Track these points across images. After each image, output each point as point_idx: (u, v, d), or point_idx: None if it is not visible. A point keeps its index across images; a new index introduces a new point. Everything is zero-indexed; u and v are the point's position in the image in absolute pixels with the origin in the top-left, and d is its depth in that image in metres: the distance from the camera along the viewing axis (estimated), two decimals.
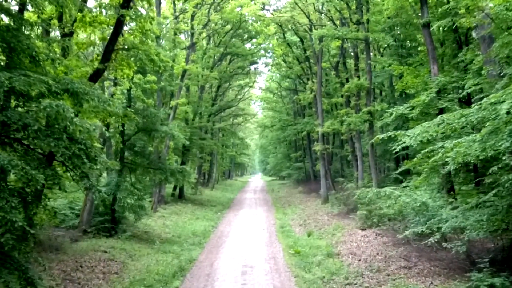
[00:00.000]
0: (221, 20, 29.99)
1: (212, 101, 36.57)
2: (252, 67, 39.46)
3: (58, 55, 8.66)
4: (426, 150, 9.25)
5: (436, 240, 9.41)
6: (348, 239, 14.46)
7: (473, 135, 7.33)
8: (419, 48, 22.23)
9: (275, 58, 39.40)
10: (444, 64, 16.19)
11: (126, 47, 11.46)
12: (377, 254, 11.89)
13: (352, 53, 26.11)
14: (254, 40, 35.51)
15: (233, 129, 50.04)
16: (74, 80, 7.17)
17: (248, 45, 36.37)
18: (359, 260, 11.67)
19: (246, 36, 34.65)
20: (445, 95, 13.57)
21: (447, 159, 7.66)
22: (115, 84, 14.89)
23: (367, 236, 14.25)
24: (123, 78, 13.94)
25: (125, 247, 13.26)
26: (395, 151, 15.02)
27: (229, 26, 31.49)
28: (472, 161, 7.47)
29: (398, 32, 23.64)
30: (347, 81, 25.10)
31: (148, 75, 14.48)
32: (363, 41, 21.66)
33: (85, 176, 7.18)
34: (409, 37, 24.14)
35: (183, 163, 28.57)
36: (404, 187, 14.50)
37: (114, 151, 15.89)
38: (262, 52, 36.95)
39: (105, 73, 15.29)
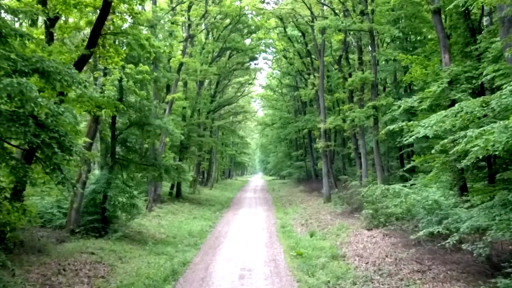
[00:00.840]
0: (220, 14, 29.10)
1: (211, 97, 35.68)
2: (252, 63, 38.52)
3: (27, 31, 7.70)
4: (445, 141, 8.34)
5: (454, 241, 8.51)
6: (354, 240, 13.58)
7: (502, 122, 6.42)
8: (429, 36, 21.31)
9: (276, 54, 38.53)
10: (455, 54, 15.28)
11: (114, 31, 10.56)
12: (386, 256, 10.98)
13: (355, 47, 25.21)
14: (254, 35, 34.60)
15: (232, 127, 49.14)
16: (44, 58, 6.27)
17: (248, 41, 35.48)
18: (367, 263, 10.76)
19: (246, 31, 33.73)
20: (458, 85, 12.68)
21: (471, 149, 6.73)
22: (105, 75, 13.99)
23: (374, 237, 13.36)
24: (114, 68, 13.04)
25: (115, 249, 12.39)
26: (402, 145, 14.15)
27: (228, 20, 30.59)
28: (498, 151, 6.55)
29: (403, 26, 22.78)
30: (350, 76, 24.18)
31: (141, 65, 13.60)
32: (367, 33, 20.77)
33: (57, 169, 6.26)
34: (414, 30, 23.28)
35: (180, 161, 27.69)
36: (411, 185, 13.64)
37: (105, 146, 14.98)
38: (263, 47, 36.05)
39: (96, 63, 14.43)
